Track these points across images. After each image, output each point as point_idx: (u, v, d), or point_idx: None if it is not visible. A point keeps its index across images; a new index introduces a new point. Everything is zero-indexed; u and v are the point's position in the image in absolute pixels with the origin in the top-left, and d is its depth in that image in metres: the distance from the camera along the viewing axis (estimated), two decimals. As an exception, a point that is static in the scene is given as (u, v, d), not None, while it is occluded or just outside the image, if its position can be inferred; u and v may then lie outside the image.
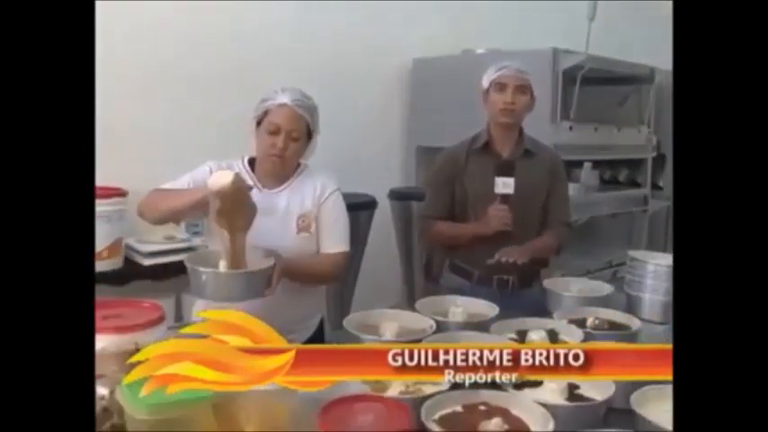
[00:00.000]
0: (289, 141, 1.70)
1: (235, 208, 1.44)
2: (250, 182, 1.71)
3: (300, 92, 1.76)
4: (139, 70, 2.68)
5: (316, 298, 1.88)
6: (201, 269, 1.47)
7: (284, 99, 1.71)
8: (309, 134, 1.77)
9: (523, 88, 2.11)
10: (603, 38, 3.28)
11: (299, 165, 1.82)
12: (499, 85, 2.11)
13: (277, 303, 1.58)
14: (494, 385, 1.21)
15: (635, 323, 1.62)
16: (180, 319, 2.52)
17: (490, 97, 2.14)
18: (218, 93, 2.88)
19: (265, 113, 1.71)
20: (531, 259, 2.12)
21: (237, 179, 1.38)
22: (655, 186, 3.78)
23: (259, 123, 1.73)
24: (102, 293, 2.19)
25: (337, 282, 2.69)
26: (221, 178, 1.37)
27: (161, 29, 2.73)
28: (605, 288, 1.91)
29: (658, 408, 1.16)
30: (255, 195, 1.66)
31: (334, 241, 1.78)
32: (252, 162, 1.80)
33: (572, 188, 3.25)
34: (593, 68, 3.04)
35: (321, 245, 1.78)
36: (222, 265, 1.49)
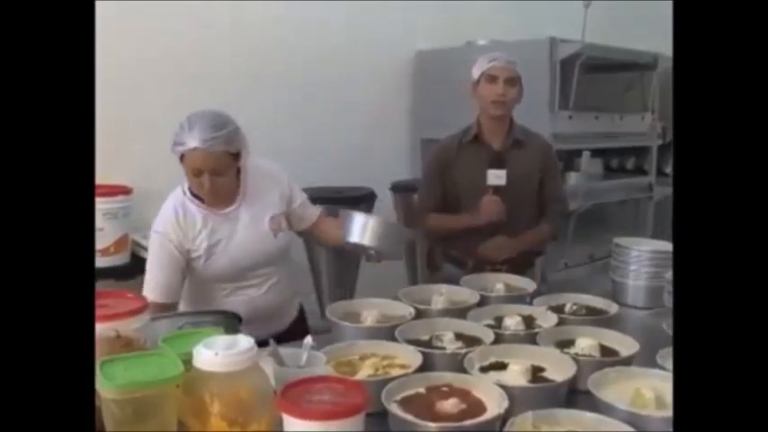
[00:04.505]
0: (215, 178, 1.65)
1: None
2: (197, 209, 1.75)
3: (211, 123, 1.63)
4: (145, 68, 2.75)
5: (293, 286, 2.00)
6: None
7: (194, 142, 1.60)
8: (238, 154, 1.70)
9: (513, 80, 2.14)
10: (605, 25, 3.28)
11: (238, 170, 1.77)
12: (490, 77, 2.14)
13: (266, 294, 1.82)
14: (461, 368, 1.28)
15: (612, 308, 1.66)
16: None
17: (480, 89, 2.17)
18: (222, 89, 2.95)
19: (182, 156, 1.65)
20: (522, 251, 2.18)
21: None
22: (662, 173, 3.77)
23: (181, 161, 1.67)
24: (109, 287, 2.31)
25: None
26: None
27: (162, 25, 2.79)
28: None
29: (617, 389, 1.20)
30: (214, 219, 1.76)
31: (314, 207, 1.99)
32: None
33: (573, 177, 3.27)
34: (591, 56, 3.04)
35: (311, 218, 1.96)
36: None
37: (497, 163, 2.09)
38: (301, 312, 2.02)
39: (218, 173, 1.66)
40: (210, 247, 1.74)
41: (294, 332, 1.79)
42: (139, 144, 2.72)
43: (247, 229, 1.78)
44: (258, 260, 1.80)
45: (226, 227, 1.76)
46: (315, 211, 1.98)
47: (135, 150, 2.70)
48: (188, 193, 1.77)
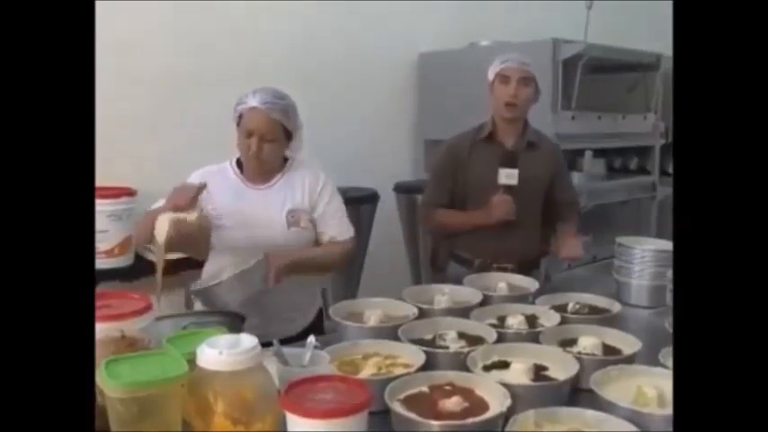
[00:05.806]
0: (263, 143, 1.74)
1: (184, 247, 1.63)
2: (237, 180, 1.82)
3: (273, 93, 1.77)
4: (148, 70, 2.77)
5: (311, 288, 1.97)
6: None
7: (254, 102, 1.73)
8: (289, 133, 1.80)
9: (526, 80, 2.14)
10: (607, 26, 3.28)
11: (286, 159, 1.87)
12: (503, 77, 2.14)
13: (277, 295, 1.72)
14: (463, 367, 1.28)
15: (615, 307, 1.66)
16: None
17: (495, 89, 2.17)
18: (226, 91, 2.94)
19: (240, 116, 1.76)
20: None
21: (179, 225, 1.53)
22: (665, 173, 3.77)
23: (238, 125, 1.79)
24: (113, 289, 2.32)
25: (344, 267, 2.62)
26: (161, 227, 1.54)
27: (165, 28, 2.81)
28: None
29: (619, 387, 1.20)
30: (245, 192, 1.78)
31: (342, 228, 1.88)
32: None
33: (576, 177, 3.27)
34: (594, 57, 3.05)
35: (327, 234, 1.86)
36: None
37: (510, 162, 2.09)
38: (319, 317, 1.96)
39: (267, 139, 1.74)
40: (221, 215, 1.75)
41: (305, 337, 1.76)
42: (143, 146, 2.74)
43: (264, 211, 1.79)
44: (263, 246, 1.70)
45: (247, 201, 1.79)
46: (332, 232, 1.86)
47: (139, 152, 2.72)
48: (233, 162, 1.86)
